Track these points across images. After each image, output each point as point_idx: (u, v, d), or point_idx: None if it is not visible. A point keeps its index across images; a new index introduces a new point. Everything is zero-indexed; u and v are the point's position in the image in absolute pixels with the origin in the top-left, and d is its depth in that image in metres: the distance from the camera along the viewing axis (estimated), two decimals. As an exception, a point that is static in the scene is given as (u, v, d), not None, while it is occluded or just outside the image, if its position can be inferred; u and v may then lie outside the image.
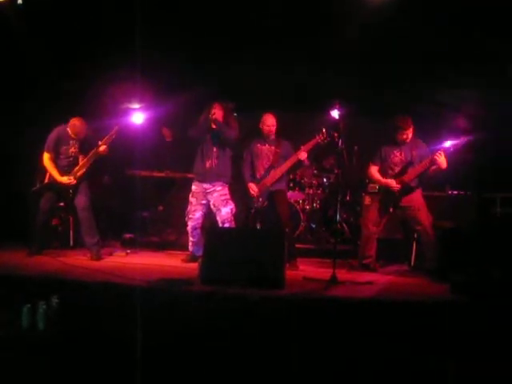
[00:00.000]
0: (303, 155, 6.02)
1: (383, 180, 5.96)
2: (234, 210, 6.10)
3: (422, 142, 5.94)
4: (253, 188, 6.13)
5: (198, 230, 6.15)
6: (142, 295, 4.46)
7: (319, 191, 7.88)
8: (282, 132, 6.34)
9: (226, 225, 6.01)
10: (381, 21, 6.33)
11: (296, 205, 7.68)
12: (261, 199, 6.12)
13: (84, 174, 6.13)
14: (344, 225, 7.72)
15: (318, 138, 5.98)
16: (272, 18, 6.71)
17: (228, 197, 6.09)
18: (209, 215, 6.31)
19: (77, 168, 6.10)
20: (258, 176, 6.21)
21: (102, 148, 6.01)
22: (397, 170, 5.94)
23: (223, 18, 6.72)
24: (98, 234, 6.28)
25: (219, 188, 6.05)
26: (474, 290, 4.65)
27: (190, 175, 7.22)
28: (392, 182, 5.87)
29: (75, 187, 6.10)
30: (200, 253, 5.74)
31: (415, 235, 6.18)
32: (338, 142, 5.80)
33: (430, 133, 6.24)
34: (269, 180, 6.12)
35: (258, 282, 4.77)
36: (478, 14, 6.18)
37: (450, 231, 5.80)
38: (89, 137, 6.14)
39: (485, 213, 6.34)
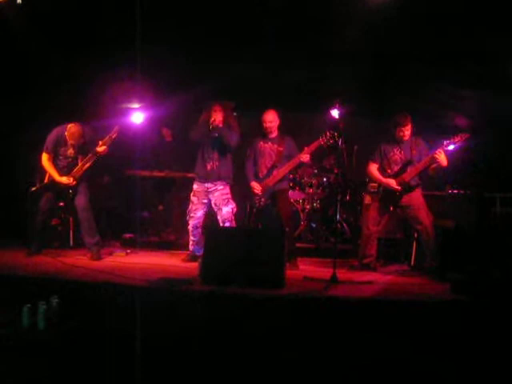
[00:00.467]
0: (306, 158, 6.00)
1: (383, 179, 5.94)
2: (235, 210, 6.11)
3: (422, 141, 5.93)
4: (256, 187, 6.12)
5: (199, 229, 6.16)
6: (142, 295, 4.46)
7: (319, 191, 7.87)
8: (282, 131, 6.33)
9: (227, 224, 6.02)
10: (381, 20, 6.33)
11: (296, 204, 7.69)
12: (263, 199, 6.11)
13: (83, 174, 6.13)
14: (344, 224, 7.72)
15: (320, 140, 5.97)
16: (272, 18, 6.71)
17: (229, 196, 6.10)
18: (210, 214, 6.31)
19: (76, 169, 6.09)
20: (260, 175, 6.19)
21: (102, 148, 6.00)
22: (396, 168, 5.92)
23: (223, 17, 6.72)
24: (98, 234, 6.28)
25: (221, 187, 6.06)
26: (474, 290, 4.64)
27: (189, 175, 7.23)
28: (392, 182, 5.85)
29: (75, 187, 6.10)
30: (200, 252, 5.76)
31: (415, 235, 6.18)
32: (338, 142, 5.81)
33: (430, 132, 6.23)
34: (271, 180, 6.11)
35: (259, 281, 4.77)
36: (477, 13, 6.18)
37: (450, 231, 5.80)
38: (88, 139, 6.12)
39: (485, 212, 6.33)
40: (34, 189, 6.23)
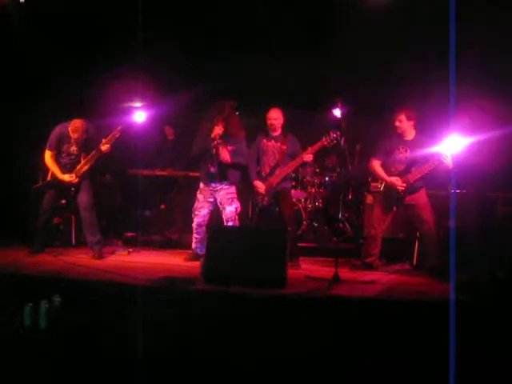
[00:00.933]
0: (309, 158, 5.99)
1: (388, 178, 5.87)
2: (238, 210, 6.10)
3: (428, 141, 5.81)
4: (260, 186, 6.11)
5: (203, 228, 6.14)
6: (144, 294, 4.46)
7: (321, 190, 7.87)
8: (285, 130, 6.33)
9: (230, 223, 6.02)
10: (382, 19, 6.33)
11: (298, 203, 7.68)
12: (266, 198, 6.11)
13: (86, 172, 6.12)
14: (346, 223, 7.71)
15: (324, 140, 5.95)
16: (273, 18, 6.71)
17: (234, 196, 6.10)
18: (215, 213, 6.30)
19: (79, 166, 6.09)
20: (263, 174, 6.18)
21: (105, 147, 6.00)
22: (401, 167, 5.85)
23: (225, 16, 6.72)
24: (100, 233, 6.28)
25: (226, 186, 6.06)
26: (476, 290, 4.64)
27: (192, 174, 7.24)
28: (397, 181, 5.78)
29: (77, 185, 6.10)
30: (203, 251, 5.76)
31: (418, 234, 6.16)
32: (340, 141, 5.79)
33: (433, 132, 6.21)
34: (274, 179, 6.09)
35: (261, 280, 4.77)
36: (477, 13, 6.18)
37: (453, 230, 5.79)
38: (90, 136, 6.12)
39: (487, 212, 6.32)
40: (36, 186, 6.24)
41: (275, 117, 6.14)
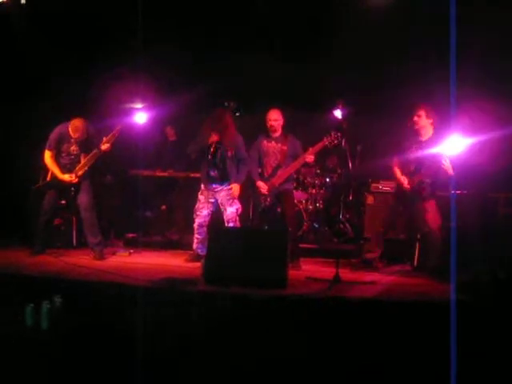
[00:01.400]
0: (310, 158, 6.00)
1: (398, 175, 5.82)
2: (239, 211, 6.10)
3: (442, 141, 5.64)
4: (263, 186, 6.12)
5: (205, 228, 6.14)
6: (144, 295, 4.46)
7: (322, 191, 7.87)
8: (286, 130, 6.33)
9: (231, 224, 6.02)
10: (382, 20, 6.33)
11: (299, 204, 7.67)
12: (269, 198, 6.11)
13: (86, 172, 6.12)
14: (347, 224, 7.72)
15: (325, 140, 5.96)
16: (273, 18, 6.71)
17: (235, 196, 6.11)
18: (215, 214, 6.30)
19: (79, 166, 6.09)
20: (265, 174, 6.19)
21: (105, 146, 5.99)
22: (411, 167, 5.79)
23: (225, 16, 6.72)
24: (101, 234, 6.28)
25: (227, 187, 6.06)
26: (477, 290, 4.64)
27: (192, 175, 7.24)
28: (404, 181, 5.75)
29: (77, 185, 6.09)
30: (204, 252, 5.76)
31: (418, 235, 6.16)
32: (341, 142, 5.79)
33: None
34: (276, 180, 6.10)
35: (261, 281, 4.77)
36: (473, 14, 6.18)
37: (453, 231, 5.78)
38: (91, 136, 6.12)
39: (488, 213, 6.32)
40: (36, 186, 6.23)
41: (275, 118, 6.15)
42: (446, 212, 6.05)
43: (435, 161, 5.64)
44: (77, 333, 4.23)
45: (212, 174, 6.07)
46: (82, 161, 6.11)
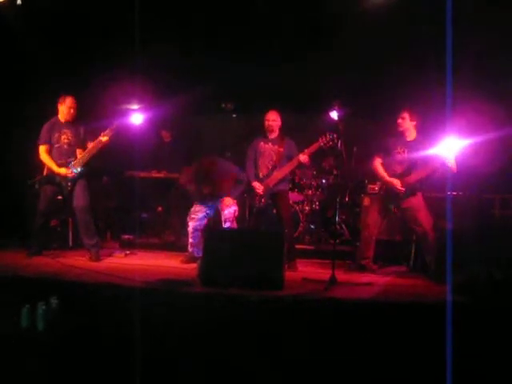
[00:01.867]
0: (304, 159, 6.01)
1: (388, 178, 5.83)
2: (236, 212, 6.11)
3: (428, 143, 5.76)
4: (258, 187, 6.13)
5: (199, 232, 6.14)
6: (141, 296, 4.46)
7: (318, 192, 7.89)
8: (283, 132, 6.34)
9: (228, 224, 6.03)
10: (380, 22, 6.35)
11: (295, 206, 7.69)
12: (263, 199, 6.13)
13: (82, 167, 6.07)
14: (343, 226, 7.73)
15: (320, 141, 5.97)
16: (272, 19, 6.72)
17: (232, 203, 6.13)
18: (212, 215, 6.31)
19: (75, 161, 6.05)
20: (260, 175, 6.21)
21: (105, 138, 5.96)
22: (399, 169, 5.82)
23: (223, 18, 6.73)
24: (97, 236, 6.27)
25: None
26: (472, 292, 4.65)
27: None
28: (397, 183, 5.75)
29: (73, 180, 6.07)
30: (199, 254, 5.75)
31: (414, 236, 6.18)
32: (337, 143, 5.80)
33: (431, 135, 6.22)
34: (271, 180, 6.12)
35: (258, 282, 4.77)
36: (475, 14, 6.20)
37: (449, 232, 5.80)
38: (84, 133, 6.13)
39: (484, 214, 6.34)
40: (31, 181, 6.18)
41: (273, 118, 6.19)
42: (441, 213, 6.07)
43: (431, 161, 5.66)
44: (73, 334, 4.22)
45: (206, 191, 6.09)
46: (79, 156, 6.09)
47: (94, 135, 6.06)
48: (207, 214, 6.19)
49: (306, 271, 5.96)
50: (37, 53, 7.10)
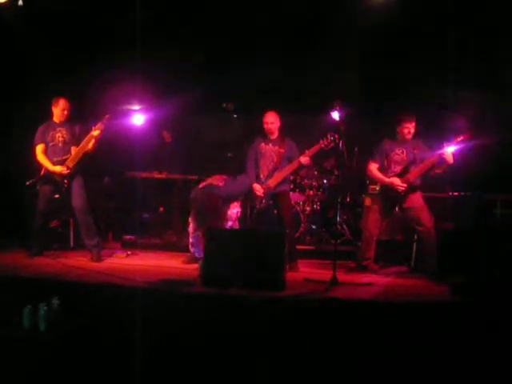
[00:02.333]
0: (306, 160, 6.00)
1: (386, 179, 5.88)
2: (239, 213, 6.12)
3: (422, 142, 5.91)
4: (258, 189, 6.13)
5: (200, 232, 6.15)
6: (142, 296, 4.46)
7: (319, 192, 7.88)
8: (284, 133, 6.34)
9: (230, 223, 6.07)
10: (381, 22, 6.35)
11: (296, 206, 7.69)
12: (264, 200, 6.13)
13: (77, 164, 6.05)
14: (344, 226, 7.72)
15: (321, 143, 5.96)
16: (272, 20, 6.72)
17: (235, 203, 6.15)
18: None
19: (70, 158, 6.04)
20: (261, 176, 6.20)
21: (96, 132, 5.95)
22: (398, 169, 5.87)
23: (224, 19, 6.73)
24: (98, 236, 6.27)
25: None
26: (473, 292, 4.65)
27: (190, 177, 7.24)
28: (397, 181, 5.78)
29: (69, 177, 6.05)
30: (200, 254, 5.75)
31: (415, 236, 6.18)
32: (338, 144, 5.81)
33: (430, 134, 6.23)
34: (272, 182, 6.11)
35: (259, 283, 4.77)
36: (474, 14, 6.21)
37: (451, 233, 5.80)
38: (79, 132, 6.12)
39: (485, 214, 6.34)
40: (29, 182, 6.17)
41: (271, 121, 6.17)
42: (443, 213, 6.08)
43: (429, 155, 5.75)
44: (74, 334, 4.23)
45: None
46: (73, 153, 6.09)
47: (89, 133, 6.07)
48: None
49: (307, 271, 5.96)
50: (37, 53, 7.10)
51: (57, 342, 4.15)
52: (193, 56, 7.31)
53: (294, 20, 6.78)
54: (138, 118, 7.62)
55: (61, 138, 6.10)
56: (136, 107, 8.01)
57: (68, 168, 6.02)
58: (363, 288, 5.17)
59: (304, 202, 7.83)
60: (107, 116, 6.02)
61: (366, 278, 5.66)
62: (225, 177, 6.12)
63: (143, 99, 7.91)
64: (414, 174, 5.79)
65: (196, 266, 5.56)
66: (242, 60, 7.24)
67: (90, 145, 6.01)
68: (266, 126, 6.19)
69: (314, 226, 7.80)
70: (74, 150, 6.08)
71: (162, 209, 7.90)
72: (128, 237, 7.41)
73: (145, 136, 7.76)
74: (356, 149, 7.85)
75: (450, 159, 5.57)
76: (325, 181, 7.92)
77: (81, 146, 6.03)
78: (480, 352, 4.00)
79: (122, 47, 6.79)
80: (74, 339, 4.16)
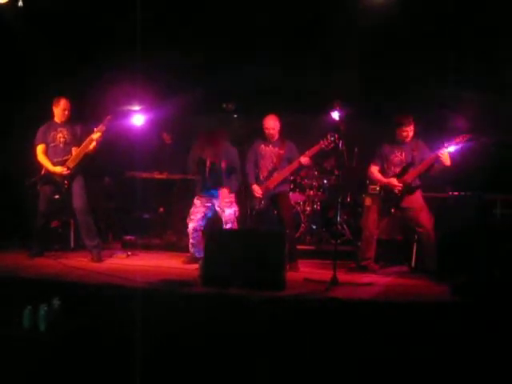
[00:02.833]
0: (306, 161, 6.01)
1: (384, 179, 5.93)
2: (237, 213, 6.13)
3: (422, 143, 5.93)
4: (257, 190, 6.14)
5: (199, 232, 6.17)
6: (142, 297, 4.46)
7: (320, 193, 7.88)
8: (284, 134, 6.34)
9: (229, 225, 6.05)
10: (381, 22, 6.34)
11: (297, 206, 7.69)
12: (263, 201, 6.13)
13: (77, 165, 6.05)
14: (344, 226, 7.72)
15: (322, 143, 5.97)
16: (272, 20, 6.72)
17: (233, 199, 6.15)
18: (213, 216, 6.32)
19: (70, 158, 6.04)
20: (261, 177, 6.21)
21: (97, 135, 5.95)
22: (397, 170, 5.91)
23: (224, 20, 6.73)
24: (98, 237, 6.28)
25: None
26: (473, 292, 4.65)
27: (190, 177, 7.23)
28: (394, 181, 5.84)
29: (69, 177, 6.05)
30: (200, 255, 5.76)
31: (415, 236, 6.18)
32: (338, 144, 5.82)
33: (430, 134, 6.24)
34: (272, 182, 6.12)
35: (259, 283, 4.77)
36: (474, 15, 6.20)
37: (451, 233, 5.80)
38: (80, 132, 6.13)
39: (485, 214, 6.34)
40: (29, 182, 6.18)
41: (272, 126, 6.16)
42: (442, 213, 6.08)
43: (427, 155, 5.77)
44: (75, 335, 4.23)
45: (208, 184, 6.11)
46: (74, 153, 6.09)
47: (90, 134, 6.06)
48: (206, 214, 6.20)
49: (307, 271, 5.96)
50: (37, 53, 7.10)
51: (57, 342, 4.16)
52: (193, 56, 7.29)
53: (294, 20, 6.76)
54: (138, 118, 7.62)
55: (62, 139, 6.10)
56: (136, 107, 8.00)
57: (68, 169, 6.03)
58: (363, 288, 5.17)
59: (304, 202, 7.83)
60: (108, 117, 6.03)
61: (366, 277, 5.66)
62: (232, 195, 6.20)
63: (143, 99, 7.90)
64: (412, 174, 5.82)
65: (196, 266, 5.57)
66: (242, 60, 7.23)
67: (91, 146, 6.02)
68: (266, 131, 6.19)
69: (314, 226, 7.81)
70: (74, 150, 6.09)
71: (162, 209, 7.91)
72: (128, 237, 7.42)
73: (145, 136, 7.76)
74: (356, 149, 7.86)
75: (447, 160, 5.60)
76: (325, 181, 7.92)
77: (82, 147, 6.04)
78: (480, 352, 4.00)
79: (123, 47, 6.78)
80: (74, 339, 4.16)
